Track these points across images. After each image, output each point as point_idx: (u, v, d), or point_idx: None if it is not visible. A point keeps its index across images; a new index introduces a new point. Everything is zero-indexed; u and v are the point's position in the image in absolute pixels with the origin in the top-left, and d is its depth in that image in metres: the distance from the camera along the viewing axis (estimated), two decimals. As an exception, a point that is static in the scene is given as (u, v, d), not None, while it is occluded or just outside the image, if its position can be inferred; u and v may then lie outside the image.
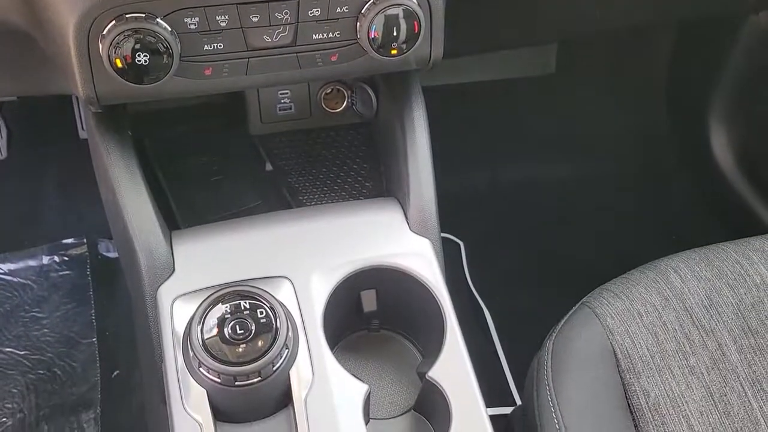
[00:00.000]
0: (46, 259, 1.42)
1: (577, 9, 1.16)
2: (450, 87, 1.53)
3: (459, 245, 1.54)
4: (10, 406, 1.24)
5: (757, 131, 1.37)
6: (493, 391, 1.23)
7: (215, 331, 0.64)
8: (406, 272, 0.76)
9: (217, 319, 0.65)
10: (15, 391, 1.25)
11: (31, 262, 1.41)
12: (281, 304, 0.67)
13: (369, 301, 0.78)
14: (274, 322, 0.65)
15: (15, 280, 1.38)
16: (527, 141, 1.60)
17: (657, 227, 1.47)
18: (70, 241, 1.44)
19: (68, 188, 1.46)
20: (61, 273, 1.40)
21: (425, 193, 0.80)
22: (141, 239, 0.74)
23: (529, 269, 1.41)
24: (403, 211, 0.81)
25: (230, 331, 0.64)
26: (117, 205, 0.76)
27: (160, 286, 0.72)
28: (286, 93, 0.96)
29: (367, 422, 0.70)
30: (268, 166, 0.96)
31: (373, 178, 0.95)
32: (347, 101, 0.98)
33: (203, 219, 0.85)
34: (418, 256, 0.77)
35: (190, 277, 0.73)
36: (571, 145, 1.57)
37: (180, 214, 0.88)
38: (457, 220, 1.53)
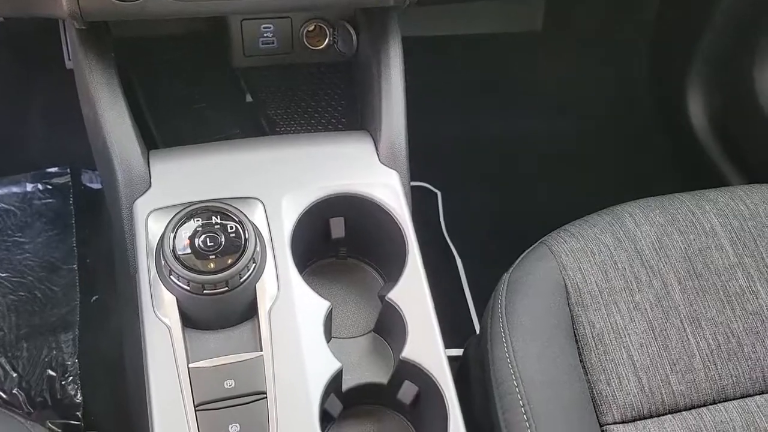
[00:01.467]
0: (29, 187, 1.44)
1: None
2: (434, 38, 1.55)
3: (436, 194, 1.58)
4: (-10, 324, 1.27)
5: (731, 95, 1.41)
6: (458, 333, 1.28)
7: (187, 242, 0.68)
8: (373, 201, 0.80)
9: (190, 231, 0.68)
10: (-4, 310, 1.29)
11: (15, 189, 1.43)
12: (251, 221, 0.71)
13: (337, 228, 0.82)
14: (243, 237, 0.69)
15: (-1, 205, 1.41)
16: (508, 96, 1.63)
17: (627, 181, 1.51)
18: (54, 169, 1.45)
19: (53, 118, 1.47)
20: (44, 201, 1.43)
21: (396, 126, 0.84)
22: (119, 154, 0.76)
23: (501, 217, 1.45)
24: (374, 143, 0.84)
25: (201, 244, 0.68)
26: (97, 121, 0.78)
27: (136, 199, 0.75)
28: (269, 27, 0.98)
29: (328, 340, 0.74)
30: (248, 98, 0.98)
31: (349, 114, 0.98)
32: (329, 39, 1.00)
33: (181, 142, 0.88)
34: (386, 186, 0.81)
35: (166, 193, 0.76)
36: (551, 101, 1.60)
37: (159, 137, 0.90)
38: (435, 170, 1.56)
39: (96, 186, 1.47)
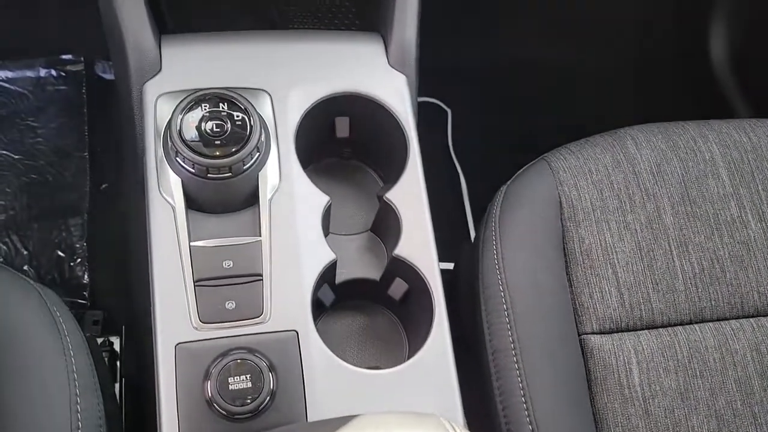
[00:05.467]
0: (43, 72, 1.45)
1: None
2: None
3: (447, 112, 1.58)
4: (3, 202, 1.31)
5: (754, 30, 1.38)
6: (456, 249, 1.31)
7: (194, 126, 0.70)
8: (379, 102, 0.81)
9: (197, 116, 0.70)
10: (8, 190, 1.33)
11: (29, 73, 1.44)
12: (257, 111, 0.72)
13: (342, 127, 0.83)
14: (248, 126, 0.71)
15: (12, 88, 1.42)
16: (529, 21, 1.60)
17: (638, 105, 1.51)
18: (68, 57, 1.46)
19: (69, 4, 1.46)
20: (57, 87, 1.44)
21: (408, 31, 0.83)
22: (131, 37, 0.77)
23: (509, 139, 1.46)
24: (385, 45, 0.84)
25: (207, 129, 0.70)
26: (110, 1, 0.78)
27: (145, 82, 0.77)
28: None
29: (326, 234, 0.77)
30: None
31: (363, 17, 0.97)
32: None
33: (193, 29, 0.88)
34: (393, 89, 0.81)
35: (175, 78, 0.77)
36: (571, 26, 1.57)
37: (171, 22, 0.90)
38: (449, 89, 1.56)
39: (109, 77, 1.48)
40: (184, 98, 0.71)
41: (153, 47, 0.78)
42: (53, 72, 1.45)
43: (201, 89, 0.73)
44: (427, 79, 0.90)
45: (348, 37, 0.86)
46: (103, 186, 1.36)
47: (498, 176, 1.42)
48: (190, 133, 0.70)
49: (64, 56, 1.46)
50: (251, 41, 0.82)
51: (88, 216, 1.32)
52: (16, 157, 1.36)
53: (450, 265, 1.06)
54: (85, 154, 1.39)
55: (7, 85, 1.42)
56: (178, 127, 0.69)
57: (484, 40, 1.60)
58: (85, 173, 1.37)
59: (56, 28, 1.47)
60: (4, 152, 1.36)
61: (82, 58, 1.47)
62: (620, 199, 0.83)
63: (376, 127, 0.83)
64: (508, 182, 0.86)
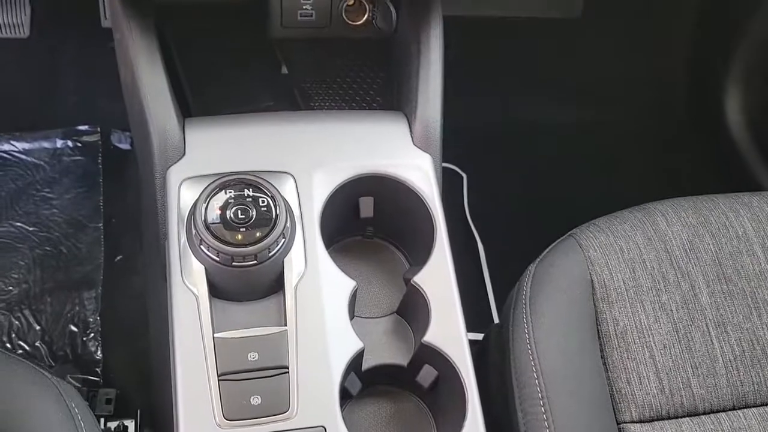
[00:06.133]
0: (59, 143, 1.45)
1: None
2: (470, 19, 1.53)
3: (462, 177, 1.57)
4: (16, 276, 1.30)
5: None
6: (476, 317, 1.28)
7: (218, 213, 0.68)
8: (404, 183, 0.79)
9: (222, 202, 0.69)
10: (22, 263, 1.31)
11: (45, 144, 1.45)
12: (282, 196, 0.71)
13: (366, 207, 0.82)
14: (274, 211, 0.69)
15: (29, 159, 1.42)
16: (543, 81, 1.60)
17: (659, 177, 1.50)
18: (84, 127, 1.47)
19: (87, 76, 1.48)
20: (73, 158, 1.44)
21: (432, 109, 0.83)
22: (156, 120, 0.77)
23: (527, 205, 1.44)
24: (409, 125, 0.84)
25: (232, 215, 0.68)
26: (135, 85, 0.78)
27: (170, 167, 0.76)
28: (308, 0, 0.97)
29: (351, 318, 0.74)
30: (284, 69, 0.98)
31: (384, 93, 0.97)
32: (368, 15, 0.99)
33: (215, 111, 0.88)
34: (418, 169, 0.80)
35: (199, 162, 0.76)
36: (585, 90, 1.58)
37: (194, 104, 0.90)
38: (463, 152, 1.55)
39: (125, 146, 1.48)
40: (209, 185, 0.70)
41: (177, 132, 0.77)
42: (69, 143, 1.45)
43: (225, 173, 0.73)
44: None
45: (371, 116, 0.85)
46: (118, 258, 1.34)
47: (517, 242, 1.41)
48: (215, 220, 0.68)
49: (80, 127, 1.47)
50: (274, 123, 0.82)
51: (102, 289, 1.30)
52: (31, 228, 1.36)
53: (469, 336, 1.03)
54: (100, 224, 1.38)
55: (23, 156, 1.43)
56: (202, 216, 0.68)
57: (497, 102, 1.61)
58: (99, 244, 1.35)
59: (74, 99, 1.49)
60: (19, 224, 1.36)
61: (99, 129, 1.47)
62: (654, 278, 0.81)
63: (401, 207, 0.81)
64: (537, 261, 0.84)
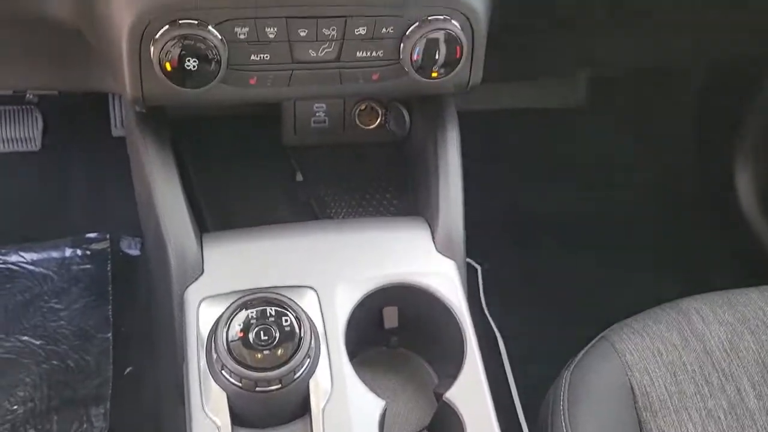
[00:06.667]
0: (68, 252, 1.43)
1: (608, 46, 1.17)
2: (477, 112, 1.55)
3: (476, 269, 1.54)
4: (22, 394, 1.25)
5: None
6: (501, 423, 1.23)
7: (240, 335, 0.65)
8: (429, 292, 0.77)
9: (243, 323, 0.66)
10: (28, 380, 1.26)
11: (54, 254, 1.43)
12: (306, 314, 0.68)
13: (390, 317, 0.79)
14: (298, 331, 0.66)
15: (37, 270, 1.40)
16: (552, 170, 1.61)
17: (676, 263, 1.47)
18: (93, 235, 1.45)
19: (96, 183, 1.48)
20: (82, 266, 1.42)
21: (453, 214, 0.81)
22: (173, 239, 0.75)
23: (545, 298, 1.41)
24: (431, 230, 0.82)
25: (255, 337, 0.65)
26: (151, 203, 0.77)
27: (188, 286, 0.73)
28: (322, 107, 0.98)
29: None
30: (299, 177, 0.97)
31: (401, 196, 0.96)
32: (380, 119, 1.00)
33: (231, 223, 0.86)
34: (443, 276, 0.78)
35: (219, 280, 0.74)
36: (594, 176, 1.58)
37: (209, 216, 0.89)
38: (475, 244, 1.53)
39: (134, 252, 1.46)
40: (229, 306, 0.67)
41: (195, 249, 0.75)
42: (78, 251, 1.44)
43: (245, 291, 0.70)
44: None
45: (391, 223, 0.84)
46: (128, 370, 1.29)
47: (537, 339, 1.37)
48: (236, 342, 0.65)
49: (89, 234, 1.46)
50: (293, 235, 0.80)
51: (111, 404, 1.25)
52: (38, 342, 1.32)
53: None
54: (108, 335, 1.34)
55: (31, 267, 1.41)
56: (224, 339, 0.65)
57: (507, 191, 1.60)
58: (108, 356, 1.31)
59: (84, 207, 1.48)
60: (26, 338, 1.32)
61: (108, 236, 1.46)
62: (696, 382, 0.77)
63: (426, 316, 0.78)
64: (571, 367, 0.80)
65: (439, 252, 0.80)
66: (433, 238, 0.81)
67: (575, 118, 1.63)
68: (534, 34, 1.06)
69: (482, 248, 1.52)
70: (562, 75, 1.51)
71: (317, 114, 0.98)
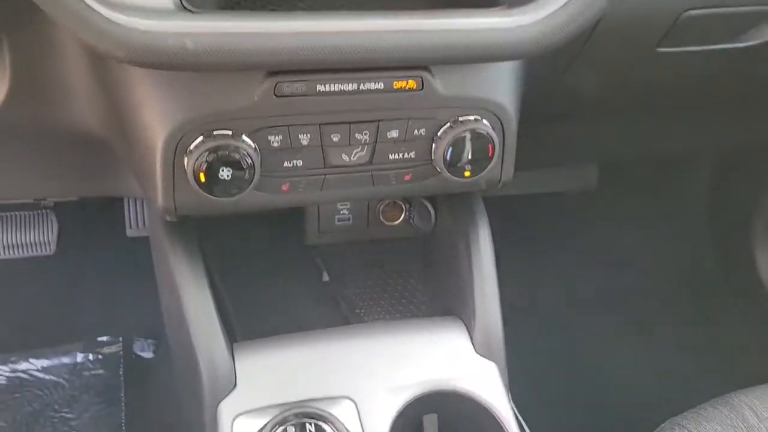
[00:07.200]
0: (80, 357, 1.40)
1: (618, 138, 1.19)
2: (489, 198, 1.55)
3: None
4: None
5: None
6: None
7: (279, 456, 0.62)
8: (472, 398, 0.74)
9: (282, 442, 0.62)
10: (37, 496, 1.20)
11: (65, 359, 1.39)
12: (346, 428, 0.65)
13: (431, 426, 0.75)
14: (340, 449, 0.63)
15: (47, 377, 1.36)
16: (568, 255, 1.59)
17: (700, 345, 1.43)
18: (105, 338, 1.42)
19: (109, 284, 1.46)
20: (93, 372, 1.38)
21: (491, 313, 0.79)
22: (204, 351, 0.72)
23: (573, 392, 1.36)
24: (468, 331, 0.79)
25: (294, 458, 0.62)
26: (181, 313, 0.75)
27: (221, 401, 0.70)
28: (346, 205, 0.97)
29: None
30: (325, 276, 0.95)
31: (430, 293, 0.94)
32: (405, 214, 0.99)
33: (260, 329, 0.84)
34: (485, 380, 0.75)
35: (252, 393, 0.71)
36: (610, 258, 1.56)
37: (237, 323, 0.86)
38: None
39: (148, 355, 1.42)
40: (267, 423, 0.64)
41: (227, 362, 0.72)
42: (90, 356, 1.40)
43: (281, 405, 0.67)
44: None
45: (427, 325, 0.81)
46: (143, 483, 1.23)
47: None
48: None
49: (101, 338, 1.42)
50: (326, 341, 0.77)
51: None
52: (48, 455, 1.26)
53: None
54: (121, 447, 1.28)
55: (42, 375, 1.36)
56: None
57: (522, 279, 1.58)
58: (120, 471, 1.25)
59: (96, 310, 1.45)
60: (35, 451, 1.26)
61: (120, 339, 1.42)
62: (759, 484, 0.73)
63: (469, 423, 0.75)
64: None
65: (478, 354, 0.77)
66: (472, 339, 0.78)
67: (588, 202, 1.63)
68: (548, 126, 1.07)
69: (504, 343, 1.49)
70: (574, 164, 1.52)
71: (341, 212, 0.98)
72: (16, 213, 1.33)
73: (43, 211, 1.35)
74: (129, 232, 1.43)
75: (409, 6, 0.68)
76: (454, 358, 0.76)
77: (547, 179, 1.62)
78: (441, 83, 0.69)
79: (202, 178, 0.67)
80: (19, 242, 1.31)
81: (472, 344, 0.78)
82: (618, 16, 0.78)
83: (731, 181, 1.53)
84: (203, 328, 0.73)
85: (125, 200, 1.38)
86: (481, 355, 0.77)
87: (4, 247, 1.28)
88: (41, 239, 1.32)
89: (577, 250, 1.59)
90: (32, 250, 1.32)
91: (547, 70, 0.83)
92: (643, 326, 1.48)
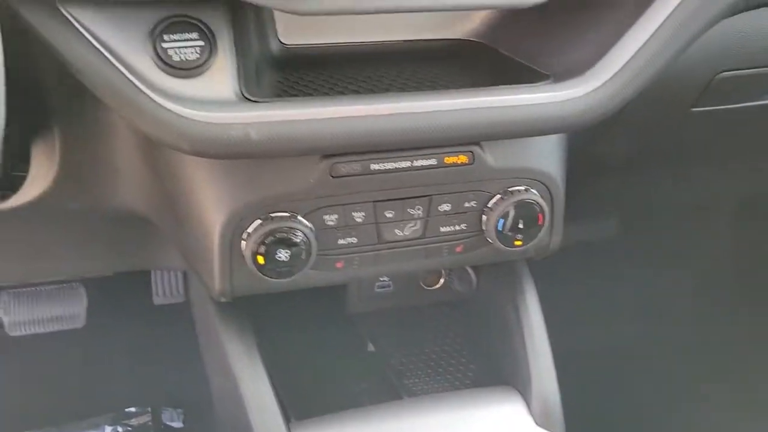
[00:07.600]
0: (108, 430, 1.37)
1: (643, 190, 1.19)
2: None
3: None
4: None
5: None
6: None
7: None
8: (536, 473, 0.72)
9: None
10: None
11: (95, 433, 1.37)
12: None
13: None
14: None
15: (77, 452, 1.33)
16: (585, 303, 1.58)
17: (738, 397, 1.41)
18: (133, 409, 1.40)
19: (137, 355, 1.44)
20: (123, 444, 1.35)
21: (547, 382, 0.78)
22: (263, 433, 0.71)
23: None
24: (525, 401, 0.78)
25: None
26: (237, 395, 0.74)
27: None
28: (386, 272, 0.97)
29: None
30: (370, 347, 0.95)
31: (476, 360, 0.93)
32: (444, 278, 0.99)
33: (312, 406, 0.83)
34: (547, 453, 0.74)
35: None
36: (632, 308, 1.56)
37: (287, 400, 0.85)
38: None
39: (177, 425, 1.40)
40: None
41: (286, 441, 0.71)
42: (119, 428, 1.37)
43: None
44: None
45: (481, 397, 0.80)
46: None
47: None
48: None
49: (129, 409, 1.40)
50: (381, 418, 0.76)
51: None
52: None
53: None
54: None
55: (72, 449, 1.34)
56: None
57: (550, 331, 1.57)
58: None
59: (124, 380, 1.43)
60: None
61: (149, 409, 1.40)
62: None
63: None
64: None
65: (538, 425, 0.76)
66: (529, 410, 0.77)
67: (609, 250, 1.63)
68: (572, 182, 1.08)
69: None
70: (596, 217, 1.52)
71: (382, 279, 0.97)
72: (45, 287, 1.32)
73: (73, 284, 1.34)
74: (156, 300, 1.42)
75: (455, 82, 0.69)
76: (515, 431, 0.75)
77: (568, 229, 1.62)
78: (491, 156, 0.70)
79: (261, 261, 0.67)
80: (48, 316, 1.30)
81: (531, 415, 0.77)
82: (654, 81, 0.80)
83: (754, 226, 1.53)
84: (261, 410, 0.72)
85: (152, 271, 1.37)
86: (541, 426, 0.76)
87: (34, 322, 1.27)
88: (71, 313, 1.31)
89: (595, 298, 1.58)
90: (62, 324, 1.31)
91: (586, 136, 0.84)
92: (675, 374, 1.46)
